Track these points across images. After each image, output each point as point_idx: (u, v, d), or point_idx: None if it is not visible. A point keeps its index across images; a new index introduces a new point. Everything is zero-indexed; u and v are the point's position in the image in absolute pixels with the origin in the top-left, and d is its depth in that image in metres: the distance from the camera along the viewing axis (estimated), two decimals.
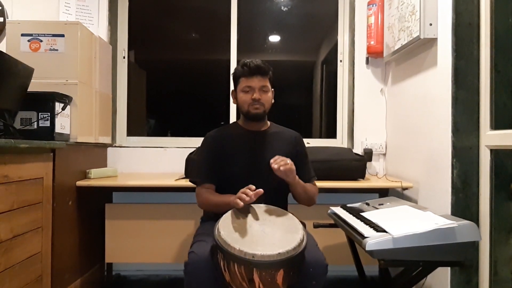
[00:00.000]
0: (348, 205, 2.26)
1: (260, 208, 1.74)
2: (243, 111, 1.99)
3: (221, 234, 1.53)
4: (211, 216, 1.92)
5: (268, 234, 1.57)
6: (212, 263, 1.60)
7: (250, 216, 1.67)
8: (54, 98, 2.19)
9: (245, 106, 1.96)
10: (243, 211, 1.71)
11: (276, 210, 1.76)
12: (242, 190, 1.70)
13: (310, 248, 1.65)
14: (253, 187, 1.69)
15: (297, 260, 1.51)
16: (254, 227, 1.61)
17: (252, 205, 1.75)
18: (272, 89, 2.01)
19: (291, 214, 1.76)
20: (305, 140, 2.20)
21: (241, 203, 1.65)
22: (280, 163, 1.75)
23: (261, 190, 1.68)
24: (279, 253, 1.44)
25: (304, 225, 1.97)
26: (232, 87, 2.08)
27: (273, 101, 2.04)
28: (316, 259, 1.64)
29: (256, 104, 1.94)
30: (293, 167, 1.81)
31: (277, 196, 1.94)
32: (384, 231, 1.64)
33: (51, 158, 2.10)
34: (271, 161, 1.76)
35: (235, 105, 2.06)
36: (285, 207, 1.94)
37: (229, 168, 1.95)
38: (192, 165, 2.50)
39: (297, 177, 1.88)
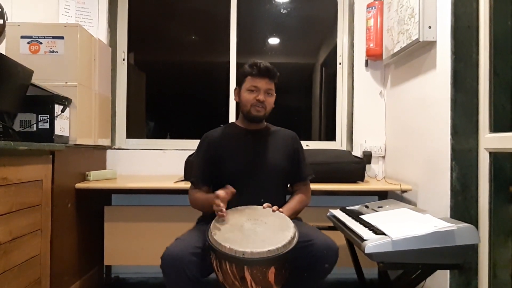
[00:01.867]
0: (347, 208, 2.26)
1: (253, 209, 1.77)
2: (244, 110, 1.98)
3: (213, 234, 1.57)
4: (208, 218, 1.91)
5: (259, 233, 1.59)
6: (184, 259, 1.60)
7: (242, 217, 1.70)
8: (53, 100, 2.19)
9: (248, 106, 1.95)
10: (237, 213, 1.74)
11: (268, 210, 1.77)
12: (216, 202, 1.72)
13: (319, 234, 1.71)
14: (232, 190, 1.74)
15: (288, 257, 1.53)
16: (246, 227, 1.63)
17: (245, 206, 1.78)
18: (275, 94, 2.01)
19: (283, 214, 1.76)
20: (305, 143, 2.21)
21: (222, 215, 1.68)
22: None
23: (233, 190, 1.74)
24: (268, 250, 1.46)
25: (300, 220, 1.98)
26: (234, 84, 2.07)
27: (273, 105, 2.04)
28: (328, 242, 1.67)
29: (259, 106, 1.93)
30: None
31: (275, 195, 1.95)
32: (383, 233, 1.64)
33: (50, 161, 2.10)
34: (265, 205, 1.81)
35: (234, 107, 2.06)
36: (281, 206, 1.94)
37: (226, 167, 1.95)
38: (191, 164, 2.50)
39: (285, 210, 1.90)
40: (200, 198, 1.94)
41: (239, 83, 2.00)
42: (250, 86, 1.93)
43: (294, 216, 1.96)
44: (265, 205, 1.79)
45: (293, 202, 2.01)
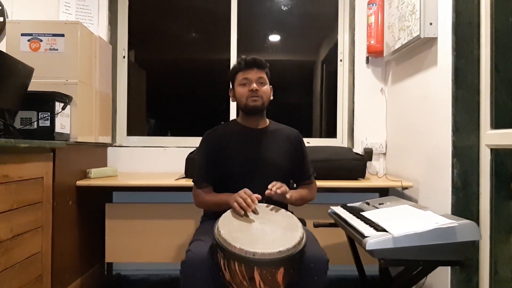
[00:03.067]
0: (348, 205, 2.26)
1: (259, 207, 1.75)
2: (241, 105, 1.98)
3: (221, 233, 1.53)
4: (211, 216, 1.92)
5: (268, 233, 1.57)
6: (209, 262, 1.60)
7: (249, 215, 1.68)
8: (54, 98, 2.19)
9: (243, 100, 1.94)
10: None
11: (275, 209, 1.76)
12: (244, 197, 1.70)
13: (310, 244, 1.66)
14: (258, 197, 1.72)
15: (297, 258, 1.51)
16: (254, 226, 1.61)
17: None
18: (271, 86, 2.01)
19: (290, 213, 1.76)
20: (305, 140, 2.20)
21: (242, 212, 1.67)
22: (279, 188, 1.78)
23: (259, 196, 1.72)
24: (279, 251, 1.45)
25: (303, 222, 1.97)
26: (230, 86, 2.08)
27: (272, 97, 2.03)
28: (317, 254, 1.65)
29: (254, 96, 1.92)
30: (285, 188, 1.83)
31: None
32: (384, 230, 1.64)
33: (51, 158, 2.10)
34: (269, 186, 1.77)
35: (235, 105, 2.06)
36: (285, 206, 1.94)
37: (228, 166, 1.95)
38: (193, 164, 2.50)
39: (292, 193, 1.89)
40: (212, 199, 1.92)
41: (232, 83, 2.03)
42: (241, 79, 1.95)
43: (300, 203, 1.98)
44: (270, 186, 1.78)
45: (303, 190, 2.04)
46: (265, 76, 1.97)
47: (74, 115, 2.40)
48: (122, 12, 3.23)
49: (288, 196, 1.83)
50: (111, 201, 2.92)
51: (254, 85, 1.92)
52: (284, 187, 1.80)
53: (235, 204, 1.69)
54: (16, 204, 1.76)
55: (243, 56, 1.97)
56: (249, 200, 1.69)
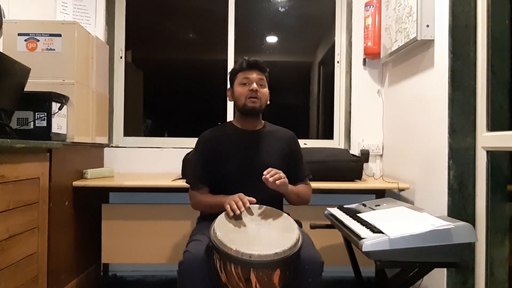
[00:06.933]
0: (345, 206, 2.26)
1: (255, 208, 1.75)
2: (239, 105, 1.98)
3: (217, 234, 1.53)
4: (207, 217, 1.92)
5: (264, 234, 1.57)
6: (206, 262, 1.60)
7: (245, 217, 1.68)
8: (50, 98, 2.18)
9: (242, 99, 1.95)
10: None
11: (271, 210, 1.76)
12: (236, 199, 1.71)
13: (305, 246, 1.66)
14: (253, 200, 1.73)
15: (294, 259, 1.51)
16: (250, 228, 1.61)
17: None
18: (268, 91, 2.02)
19: (286, 214, 1.76)
20: (302, 141, 2.20)
21: (231, 214, 1.67)
22: (274, 176, 1.75)
23: (253, 199, 1.73)
24: (276, 253, 1.45)
25: (299, 224, 1.97)
26: (228, 86, 2.08)
27: (268, 102, 2.04)
28: (311, 256, 1.65)
29: (253, 96, 1.93)
30: (286, 179, 1.81)
31: (273, 196, 1.94)
32: (381, 232, 1.65)
33: (48, 158, 2.09)
34: (265, 172, 1.75)
35: (232, 105, 2.05)
36: (280, 207, 1.95)
37: (223, 168, 1.95)
38: (188, 166, 2.50)
39: (289, 186, 1.89)
40: (207, 201, 1.92)
41: (231, 82, 2.03)
42: (242, 79, 1.96)
43: (295, 198, 1.97)
44: (265, 172, 1.76)
45: (300, 187, 2.03)
46: (265, 79, 1.99)
47: (70, 116, 2.39)
48: (119, 12, 3.23)
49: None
50: (107, 202, 2.91)
51: (255, 85, 1.93)
52: (282, 178, 1.78)
53: (227, 207, 1.70)
54: (12, 204, 1.76)
55: (246, 57, 1.98)
56: (240, 202, 1.69)
